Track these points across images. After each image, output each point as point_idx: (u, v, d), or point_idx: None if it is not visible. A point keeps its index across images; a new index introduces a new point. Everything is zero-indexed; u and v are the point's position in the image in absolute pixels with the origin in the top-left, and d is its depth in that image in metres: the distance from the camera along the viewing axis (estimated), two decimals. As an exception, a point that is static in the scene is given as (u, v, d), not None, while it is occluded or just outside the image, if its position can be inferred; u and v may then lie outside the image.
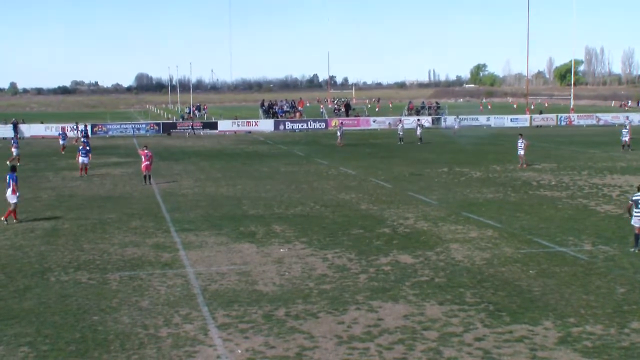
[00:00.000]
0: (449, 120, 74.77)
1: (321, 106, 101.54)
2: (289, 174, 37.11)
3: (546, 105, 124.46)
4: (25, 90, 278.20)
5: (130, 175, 37.35)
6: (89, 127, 66.99)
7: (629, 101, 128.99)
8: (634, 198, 19.09)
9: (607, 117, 79.73)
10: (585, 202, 27.15)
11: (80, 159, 37.22)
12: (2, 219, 23.94)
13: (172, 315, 14.26)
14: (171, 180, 34.70)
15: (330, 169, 38.82)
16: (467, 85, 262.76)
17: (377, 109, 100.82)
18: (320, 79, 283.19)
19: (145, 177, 33.46)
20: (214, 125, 73.87)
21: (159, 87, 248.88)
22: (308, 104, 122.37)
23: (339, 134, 54.88)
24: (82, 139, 47.83)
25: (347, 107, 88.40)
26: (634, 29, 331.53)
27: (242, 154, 49.18)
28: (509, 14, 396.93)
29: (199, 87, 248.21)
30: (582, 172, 36.19)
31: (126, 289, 16.16)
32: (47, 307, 14.87)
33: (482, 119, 78.61)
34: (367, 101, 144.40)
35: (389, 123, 74.48)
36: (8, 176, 24.34)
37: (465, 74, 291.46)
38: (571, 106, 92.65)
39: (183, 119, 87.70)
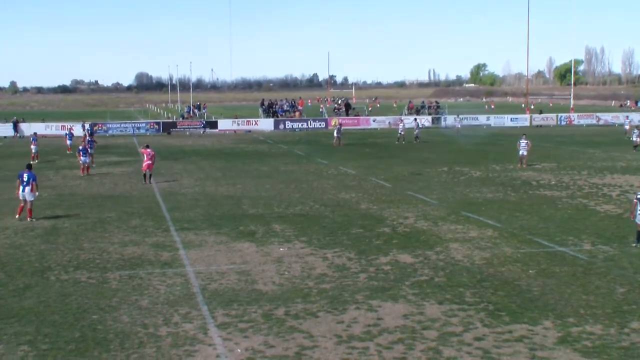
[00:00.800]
0: (449, 120, 74.78)
1: (321, 106, 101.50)
2: (288, 173, 37.11)
3: (551, 105, 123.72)
4: (25, 89, 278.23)
5: (130, 174, 37.35)
6: (87, 126, 66.88)
7: (638, 102, 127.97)
8: (639, 196, 19.53)
9: (607, 117, 79.79)
10: (585, 201, 27.16)
11: (82, 159, 37.22)
12: (17, 217, 24.16)
13: (171, 315, 14.26)
14: (171, 180, 34.70)
15: (330, 169, 38.82)
16: (467, 85, 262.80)
17: (369, 108, 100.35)
18: (320, 79, 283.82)
19: (145, 175, 33.45)
20: (213, 125, 73.88)
21: (159, 86, 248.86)
22: (309, 104, 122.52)
23: (335, 134, 54.43)
24: (87, 138, 47.82)
25: (347, 106, 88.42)
26: (634, 29, 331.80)
27: (242, 153, 49.17)
28: (509, 14, 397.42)
29: (199, 86, 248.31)
30: (582, 171, 36.19)
31: (126, 288, 16.16)
32: (46, 306, 14.87)
33: (482, 119, 78.60)
34: (368, 100, 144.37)
35: (389, 122, 74.48)
36: (27, 174, 24.35)
37: (465, 74, 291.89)
38: (571, 106, 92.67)
39: (183, 117, 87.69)
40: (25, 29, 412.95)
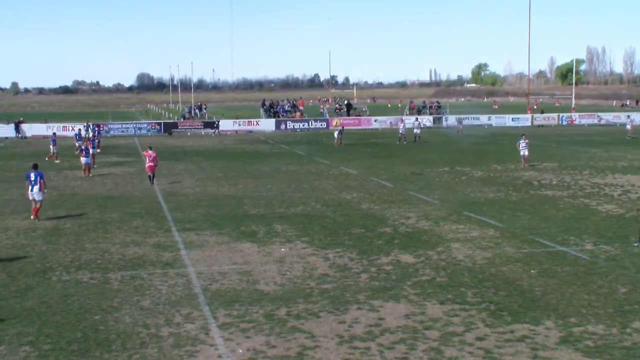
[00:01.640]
0: (451, 120, 74.76)
1: (321, 106, 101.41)
2: (290, 173, 37.11)
3: (557, 104, 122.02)
4: (26, 90, 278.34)
5: (132, 174, 37.38)
6: (90, 127, 66.98)
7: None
8: None
9: (608, 117, 79.74)
10: (587, 201, 27.13)
11: (83, 160, 37.24)
12: (32, 217, 24.31)
13: (173, 315, 14.26)
14: (172, 180, 34.71)
15: (331, 169, 38.81)
16: (468, 85, 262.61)
17: (364, 108, 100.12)
18: (322, 79, 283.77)
19: (150, 177, 33.46)
20: (215, 125, 73.84)
21: (160, 86, 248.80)
22: (310, 103, 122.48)
23: (336, 134, 54.48)
24: (91, 139, 47.89)
25: (349, 106, 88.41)
26: (636, 29, 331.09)
27: (243, 154, 49.18)
28: (511, 14, 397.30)
29: (200, 86, 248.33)
30: (583, 171, 36.17)
31: (127, 289, 16.17)
32: (48, 307, 14.88)
33: (484, 119, 78.58)
34: (369, 101, 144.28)
35: (390, 122, 74.46)
36: (34, 174, 24.57)
37: (467, 74, 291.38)
38: (572, 105, 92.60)
39: (184, 118, 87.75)
40: (26, 30, 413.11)
